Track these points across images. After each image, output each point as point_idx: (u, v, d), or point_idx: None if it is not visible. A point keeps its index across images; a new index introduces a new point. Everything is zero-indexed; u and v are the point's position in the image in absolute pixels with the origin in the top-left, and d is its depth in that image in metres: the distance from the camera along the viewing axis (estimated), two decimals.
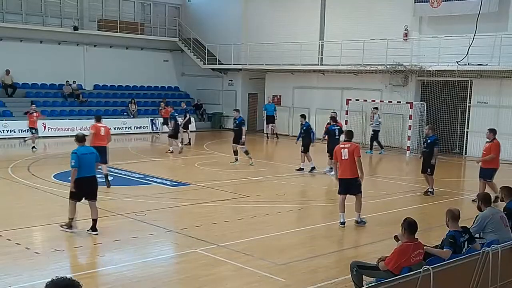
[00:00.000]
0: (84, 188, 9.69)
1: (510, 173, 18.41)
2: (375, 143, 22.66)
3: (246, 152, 18.24)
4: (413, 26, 23.73)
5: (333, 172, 15.80)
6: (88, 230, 9.65)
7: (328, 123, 17.66)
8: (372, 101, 23.96)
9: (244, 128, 18.21)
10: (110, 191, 13.27)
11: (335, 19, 26.40)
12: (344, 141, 11.66)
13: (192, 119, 21.95)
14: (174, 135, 21.01)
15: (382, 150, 22.48)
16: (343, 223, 10.73)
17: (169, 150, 20.52)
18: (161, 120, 27.05)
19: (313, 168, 16.94)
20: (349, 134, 11.58)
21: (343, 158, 10.83)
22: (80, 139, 10.04)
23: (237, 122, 18.16)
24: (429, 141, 14.10)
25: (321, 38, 26.86)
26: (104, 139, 13.91)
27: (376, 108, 22.92)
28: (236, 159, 18.32)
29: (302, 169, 17.05)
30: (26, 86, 27.60)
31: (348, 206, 10.94)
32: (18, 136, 23.88)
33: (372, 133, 22.82)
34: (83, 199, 9.84)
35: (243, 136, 17.95)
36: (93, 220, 9.68)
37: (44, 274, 7.50)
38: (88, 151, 9.93)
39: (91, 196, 9.82)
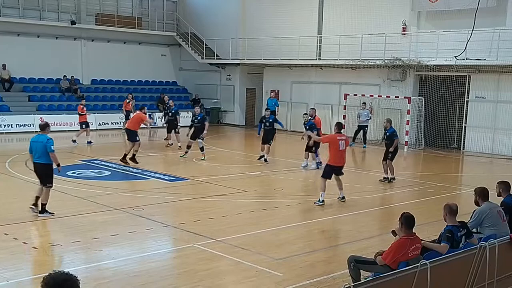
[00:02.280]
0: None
1: (507, 168, 18.44)
2: (360, 136, 23.04)
3: (202, 149, 17.87)
4: (411, 20, 23.70)
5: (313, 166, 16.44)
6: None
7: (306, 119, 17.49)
8: (370, 96, 23.96)
9: (207, 124, 18.17)
10: (108, 186, 13.25)
11: (333, 14, 26.35)
12: (337, 132, 12.42)
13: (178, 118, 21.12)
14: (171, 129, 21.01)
15: (353, 143, 22.59)
16: (323, 201, 12.01)
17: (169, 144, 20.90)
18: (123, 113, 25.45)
19: (319, 163, 16.73)
20: (340, 126, 12.61)
21: (340, 148, 12.12)
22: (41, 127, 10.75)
23: (198, 118, 17.99)
24: (388, 134, 15.11)
25: (319, 33, 26.81)
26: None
27: (365, 103, 23.03)
28: (186, 152, 18.13)
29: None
30: (23, 80, 27.52)
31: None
32: (15, 131, 23.86)
33: (357, 128, 23.11)
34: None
35: (205, 132, 17.90)
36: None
37: (42, 269, 7.50)
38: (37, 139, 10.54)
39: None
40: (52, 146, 10.30)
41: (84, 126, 21.44)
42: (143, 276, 7.51)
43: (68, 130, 24.08)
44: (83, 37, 29.29)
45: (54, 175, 10.67)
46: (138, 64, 31.11)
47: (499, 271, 6.38)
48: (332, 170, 12.23)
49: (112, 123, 27.10)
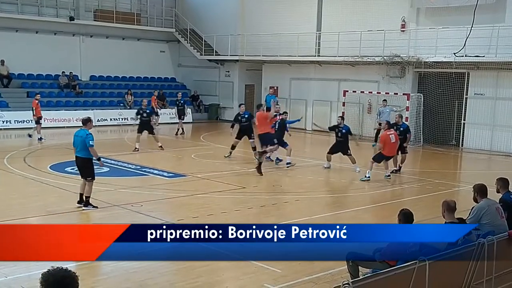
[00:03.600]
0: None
1: (505, 165, 18.46)
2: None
3: (254, 148, 17.36)
4: (410, 17, 23.67)
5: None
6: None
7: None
8: (369, 92, 23.94)
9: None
10: (106, 182, 13.24)
11: (332, 10, 26.30)
12: (387, 129, 14.81)
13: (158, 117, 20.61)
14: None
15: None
16: (369, 177, 14.42)
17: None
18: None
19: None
20: (390, 124, 15.25)
21: (392, 141, 14.50)
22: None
23: (246, 116, 17.62)
24: (402, 128, 15.90)
25: (318, 29, 26.77)
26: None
27: (385, 101, 22.51)
28: (231, 153, 17.69)
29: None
30: (21, 76, 27.47)
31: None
32: (14, 127, 23.82)
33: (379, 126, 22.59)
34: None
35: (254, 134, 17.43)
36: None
37: (40, 265, 7.47)
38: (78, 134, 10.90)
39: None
40: (91, 141, 10.60)
41: (40, 121, 20.71)
42: (142, 272, 7.51)
43: (67, 126, 24.05)
44: (82, 33, 29.22)
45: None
46: (136, 60, 31.04)
47: (497, 268, 6.39)
48: (384, 157, 14.66)
49: (111, 119, 27.06)
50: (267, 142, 15.68)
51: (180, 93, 26.11)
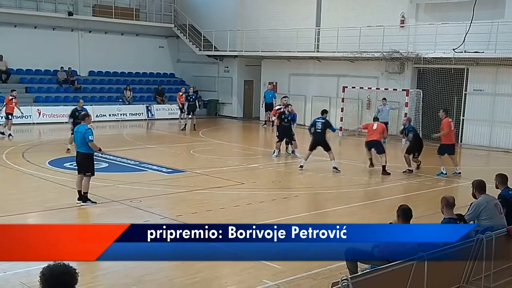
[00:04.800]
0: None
1: (504, 161, 18.48)
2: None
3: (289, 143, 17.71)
4: (409, 13, 23.62)
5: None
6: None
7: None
8: (368, 88, 23.91)
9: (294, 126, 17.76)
10: (105, 178, 13.23)
11: (331, 6, 26.24)
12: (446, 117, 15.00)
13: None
14: None
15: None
16: (446, 173, 14.81)
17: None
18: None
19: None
20: (446, 112, 15.45)
21: (452, 128, 15.09)
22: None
23: (289, 117, 17.53)
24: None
25: (318, 25, 26.73)
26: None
27: (385, 99, 22.53)
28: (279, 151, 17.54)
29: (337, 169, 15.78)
30: (20, 72, 27.40)
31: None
32: (12, 122, 23.73)
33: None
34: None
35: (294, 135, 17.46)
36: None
37: (39, 261, 7.48)
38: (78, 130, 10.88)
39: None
40: (90, 136, 10.58)
41: (9, 116, 20.34)
42: (141, 268, 7.51)
43: (65, 122, 23.94)
44: (81, 28, 29.14)
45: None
46: (135, 56, 30.98)
47: (496, 264, 6.40)
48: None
49: (109, 115, 27.04)
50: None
51: (191, 88, 26.21)
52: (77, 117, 16.55)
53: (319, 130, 15.36)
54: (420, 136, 15.54)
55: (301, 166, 15.31)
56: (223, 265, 7.82)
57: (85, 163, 10.82)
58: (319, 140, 15.36)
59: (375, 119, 16.99)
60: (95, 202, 10.79)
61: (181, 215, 10.27)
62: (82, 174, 10.84)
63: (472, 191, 7.77)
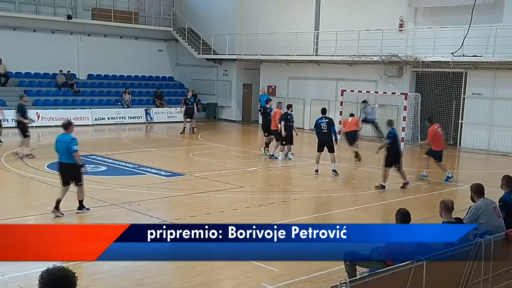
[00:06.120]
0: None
1: (503, 164, 18.49)
2: (376, 131, 22.59)
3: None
4: (408, 17, 23.69)
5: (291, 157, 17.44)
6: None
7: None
8: (367, 92, 23.94)
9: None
10: (104, 181, 13.23)
11: (330, 10, 26.32)
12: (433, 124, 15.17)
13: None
14: None
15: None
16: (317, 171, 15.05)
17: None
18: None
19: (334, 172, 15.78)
20: (431, 119, 15.66)
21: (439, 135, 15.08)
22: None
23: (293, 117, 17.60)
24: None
25: (316, 29, 26.78)
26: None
27: (365, 101, 22.40)
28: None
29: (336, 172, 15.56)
30: (19, 75, 27.41)
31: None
32: (11, 126, 23.73)
33: (371, 124, 22.66)
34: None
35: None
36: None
37: (38, 264, 7.46)
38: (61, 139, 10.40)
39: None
40: (75, 146, 10.09)
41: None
42: (140, 271, 7.51)
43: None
44: (80, 31, 29.18)
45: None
46: (134, 59, 31.01)
47: (494, 267, 6.40)
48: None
49: (108, 118, 27.04)
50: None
51: (190, 91, 26.28)
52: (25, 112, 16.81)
53: (325, 130, 15.39)
54: (399, 147, 14.23)
55: (316, 171, 15.19)
56: (222, 268, 7.82)
57: (72, 174, 10.33)
58: (327, 140, 15.37)
59: (351, 115, 19.35)
60: (89, 209, 10.55)
61: (180, 218, 10.27)
62: (67, 185, 10.35)
63: (470, 195, 7.78)
